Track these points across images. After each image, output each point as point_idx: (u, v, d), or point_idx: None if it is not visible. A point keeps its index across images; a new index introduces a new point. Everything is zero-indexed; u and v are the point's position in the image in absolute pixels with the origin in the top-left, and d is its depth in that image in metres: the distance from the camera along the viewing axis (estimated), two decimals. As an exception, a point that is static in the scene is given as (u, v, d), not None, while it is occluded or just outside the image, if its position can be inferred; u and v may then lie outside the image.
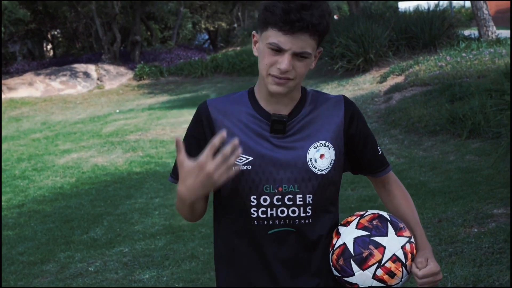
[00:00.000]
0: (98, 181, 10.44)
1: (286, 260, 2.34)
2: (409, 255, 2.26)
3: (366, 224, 2.28)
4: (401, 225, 2.30)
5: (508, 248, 5.30)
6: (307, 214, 2.31)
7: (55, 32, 39.41)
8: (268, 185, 2.29)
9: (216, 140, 2.03)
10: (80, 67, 27.36)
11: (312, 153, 2.31)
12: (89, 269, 6.32)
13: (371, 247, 2.23)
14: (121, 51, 31.11)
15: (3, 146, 14.92)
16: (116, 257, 6.60)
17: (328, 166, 2.32)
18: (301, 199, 2.30)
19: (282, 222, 2.30)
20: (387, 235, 2.25)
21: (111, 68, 27.80)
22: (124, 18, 32.18)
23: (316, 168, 2.30)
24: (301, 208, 2.30)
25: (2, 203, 9.53)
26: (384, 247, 2.22)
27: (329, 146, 2.33)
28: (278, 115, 2.30)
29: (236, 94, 2.42)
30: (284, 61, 2.16)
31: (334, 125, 2.35)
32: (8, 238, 7.68)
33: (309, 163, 2.30)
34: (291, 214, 2.30)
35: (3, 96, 24.22)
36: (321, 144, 2.32)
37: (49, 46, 40.82)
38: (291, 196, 2.29)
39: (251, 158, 2.29)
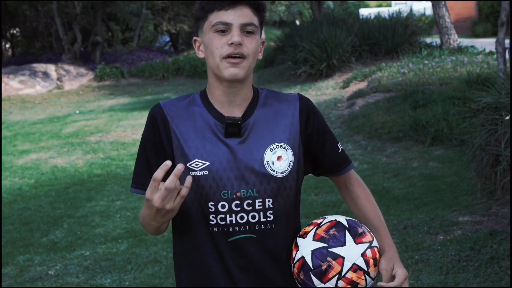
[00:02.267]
0: (58, 182, 10.26)
1: (248, 269, 2.26)
2: (371, 261, 2.18)
3: (323, 234, 2.20)
4: (360, 229, 2.22)
5: (474, 256, 5.30)
6: (268, 219, 2.24)
7: (14, 31, 38.83)
8: (225, 190, 2.21)
9: (158, 174, 1.95)
10: (40, 66, 26.96)
11: (269, 156, 2.24)
12: (49, 273, 6.17)
13: (329, 259, 2.15)
14: (81, 52, 30.74)
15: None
16: (77, 260, 6.46)
17: (287, 168, 2.25)
18: (260, 203, 2.23)
19: (242, 228, 2.22)
20: (345, 244, 2.17)
21: (71, 68, 27.45)
22: (85, 18, 31.82)
23: (274, 171, 2.23)
24: (261, 213, 2.23)
25: (-42, 204, 9.31)
26: (343, 258, 2.15)
27: (286, 147, 2.26)
28: (232, 118, 2.23)
29: (188, 97, 2.35)
30: (234, 34, 2.14)
31: (289, 125, 2.29)
32: (-35, 240, 7.49)
33: (267, 166, 2.23)
34: (251, 220, 2.22)
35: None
36: (277, 146, 2.25)
37: (8, 45, 40.20)
38: (250, 201, 2.22)
39: (207, 163, 2.21)
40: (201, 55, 2.27)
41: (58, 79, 26.28)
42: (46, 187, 9.98)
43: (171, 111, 2.27)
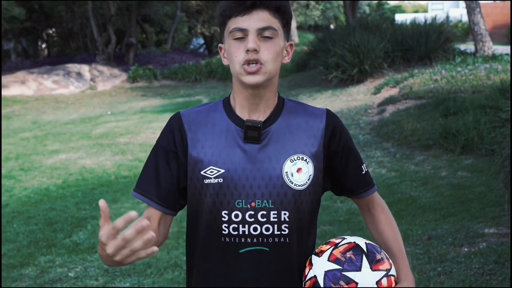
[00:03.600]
0: (85, 183, 10.28)
1: (258, 282, 2.18)
2: None
3: (339, 256, 2.11)
4: (379, 256, 2.12)
5: (498, 270, 5.17)
6: (283, 233, 2.16)
7: (51, 31, 39.23)
8: (240, 199, 2.14)
9: (119, 223, 1.76)
10: (74, 67, 27.18)
11: (289, 167, 2.16)
12: (69, 275, 6.16)
13: (341, 282, 2.06)
14: (115, 53, 30.94)
15: (-9, 144, 14.76)
16: (97, 263, 6.44)
17: (306, 182, 2.17)
18: (275, 215, 2.15)
19: (255, 240, 2.15)
20: (360, 270, 2.08)
21: (105, 69, 27.63)
22: (119, 19, 32.03)
23: (292, 183, 2.16)
24: (276, 226, 2.15)
25: (-14, 203, 9.38)
26: (356, 283, 2.06)
27: (308, 160, 2.18)
28: (252, 120, 2.16)
29: (210, 103, 2.30)
30: (249, 40, 2.06)
31: (313, 138, 2.21)
32: (-11, 239, 7.52)
33: (285, 177, 2.15)
34: (264, 232, 2.15)
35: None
36: (298, 158, 2.17)
37: (44, 45, 40.63)
38: (264, 213, 2.14)
39: (222, 171, 2.15)
40: (225, 62, 2.21)
41: (92, 79, 26.47)
42: (73, 188, 10.01)
43: (190, 119, 2.22)
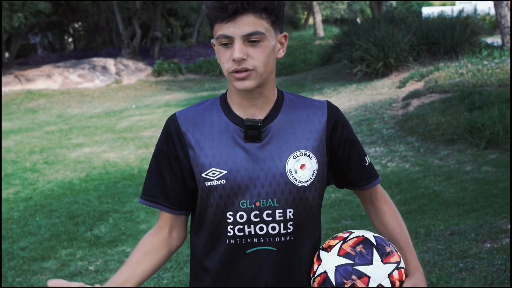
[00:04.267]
0: (108, 177, 10.31)
1: (266, 282, 2.14)
2: (397, 283, 2.05)
3: (349, 250, 2.07)
4: (388, 249, 2.09)
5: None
6: (288, 231, 2.12)
7: (77, 26, 39.42)
8: (244, 200, 2.09)
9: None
10: (99, 61, 27.30)
11: (292, 164, 2.11)
12: (89, 268, 6.17)
13: (354, 277, 2.02)
14: (141, 47, 31.03)
15: (16, 138, 14.87)
16: (118, 256, 6.45)
17: (311, 178, 2.12)
18: (281, 214, 2.10)
19: (261, 240, 2.11)
20: (371, 263, 2.04)
21: (130, 63, 27.73)
22: (145, 13, 32.10)
23: (296, 180, 2.11)
24: (282, 224, 2.11)
25: (10, 196, 9.43)
26: (369, 277, 2.02)
27: (311, 155, 2.13)
28: (252, 120, 2.11)
29: (207, 102, 2.23)
30: (235, 49, 1.99)
31: (315, 132, 2.16)
32: (12, 232, 7.55)
33: (289, 174, 2.10)
34: (270, 231, 2.11)
35: (20, 87, 24.21)
36: (301, 154, 2.12)
37: (70, 39, 40.84)
38: (270, 212, 2.10)
39: (225, 172, 2.09)
40: (219, 59, 2.16)
41: (117, 73, 26.58)
42: (96, 181, 10.04)
43: (186, 120, 2.16)
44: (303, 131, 2.15)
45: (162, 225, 2.22)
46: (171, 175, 2.15)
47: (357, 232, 2.14)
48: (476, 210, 6.76)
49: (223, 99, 2.19)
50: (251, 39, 2.00)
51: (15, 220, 8.09)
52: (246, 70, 2.01)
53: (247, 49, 2.00)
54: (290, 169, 2.10)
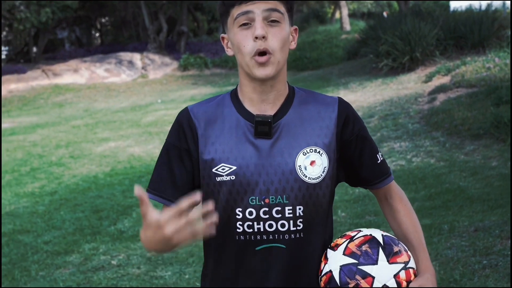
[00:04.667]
0: (133, 171, 10.35)
1: (276, 280, 2.12)
2: (404, 284, 2.01)
3: (354, 249, 2.03)
4: (396, 248, 2.04)
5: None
6: (298, 228, 2.09)
7: (104, 20, 39.63)
8: (253, 196, 2.07)
9: (183, 204, 1.71)
10: (126, 55, 27.44)
11: (301, 160, 2.08)
12: (112, 262, 6.19)
13: (357, 277, 1.99)
14: (167, 41, 31.11)
15: (42, 132, 14.98)
16: (140, 251, 6.46)
17: (321, 174, 2.09)
18: (290, 211, 2.08)
19: (271, 237, 2.08)
20: (376, 263, 2.00)
21: (156, 57, 27.82)
22: (171, 8, 32.17)
23: (306, 177, 2.08)
24: (291, 222, 2.08)
25: (36, 190, 9.51)
26: (373, 277, 1.98)
27: (321, 152, 2.10)
28: (262, 115, 2.08)
29: (218, 97, 2.21)
30: (257, 26, 1.98)
31: (326, 128, 2.13)
32: (36, 226, 7.61)
33: (298, 171, 2.07)
34: (280, 228, 2.08)
35: (48, 81, 24.39)
36: (311, 150, 2.09)
37: (97, 34, 41.07)
38: (279, 208, 2.07)
39: (234, 167, 2.07)
40: (229, 52, 2.13)
41: (143, 68, 26.69)
42: (120, 176, 10.08)
43: (199, 115, 2.14)
44: (313, 127, 2.13)
45: None
46: (181, 170, 2.12)
47: (365, 231, 2.11)
48: (501, 206, 6.68)
49: (234, 94, 2.17)
50: (271, 18, 2.00)
51: (40, 214, 8.15)
52: (266, 53, 2.00)
53: (267, 28, 2.00)
54: (299, 166, 2.08)
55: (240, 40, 2.02)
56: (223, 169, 2.08)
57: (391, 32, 17.60)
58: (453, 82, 13.56)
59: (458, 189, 7.64)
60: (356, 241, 2.06)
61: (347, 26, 34.75)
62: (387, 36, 17.46)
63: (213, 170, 2.09)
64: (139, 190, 1.76)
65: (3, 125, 17.14)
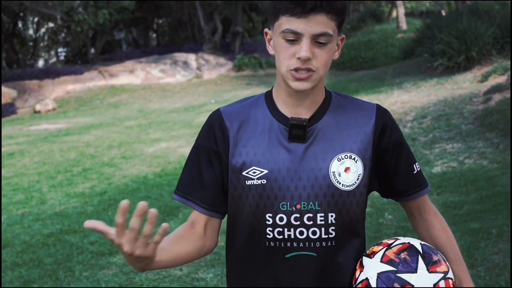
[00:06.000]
0: (182, 172, 10.36)
1: None
2: None
3: (393, 257, 1.95)
4: (435, 257, 1.96)
5: None
6: (330, 236, 2.02)
7: (160, 21, 40.00)
8: (285, 202, 2.00)
9: (118, 218, 1.71)
10: (181, 56, 27.64)
11: (336, 166, 2.01)
12: (155, 264, 6.19)
13: (396, 285, 1.90)
14: (222, 42, 31.23)
15: (96, 133, 15.16)
16: (184, 252, 6.45)
17: (355, 182, 2.02)
18: (322, 218, 2.01)
19: (301, 244, 2.02)
20: (416, 271, 1.91)
21: (211, 58, 27.95)
22: (226, 8, 32.29)
23: (340, 183, 2.01)
24: (323, 229, 2.01)
25: (86, 190, 9.60)
26: (412, 286, 1.90)
27: (356, 158, 2.03)
28: (297, 118, 2.02)
29: (251, 98, 2.16)
30: (302, 47, 1.89)
31: (362, 135, 2.05)
32: (84, 227, 7.66)
33: (332, 177, 2.00)
34: (311, 236, 2.01)
35: (104, 82, 24.71)
36: (346, 156, 2.02)
37: (154, 35, 41.48)
38: (311, 215, 2.00)
39: (266, 171, 2.01)
40: (271, 51, 2.06)
41: (198, 68, 26.84)
42: (170, 176, 10.12)
43: (231, 117, 2.09)
44: (349, 133, 2.06)
45: (195, 223, 2.13)
46: (210, 173, 2.08)
47: (403, 239, 2.03)
48: (553, 210, 6.47)
49: (269, 96, 2.12)
50: (319, 40, 1.92)
51: (88, 214, 8.22)
52: (309, 70, 1.94)
53: (313, 48, 1.92)
54: (333, 172, 2.01)
55: (282, 52, 1.96)
56: (254, 172, 2.03)
57: (447, 31, 17.30)
58: (510, 82, 13.25)
59: (510, 192, 7.44)
60: (394, 249, 1.99)
61: (404, 25, 34.35)
62: (443, 35, 17.17)
63: (243, 173, 2.04)
64: (88, 223, 1.71)
65: (59, 126, 17.42)
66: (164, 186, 9.46)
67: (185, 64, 26.91)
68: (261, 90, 21.66)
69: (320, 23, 1.90)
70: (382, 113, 2.11)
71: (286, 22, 1.91)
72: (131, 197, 8.89)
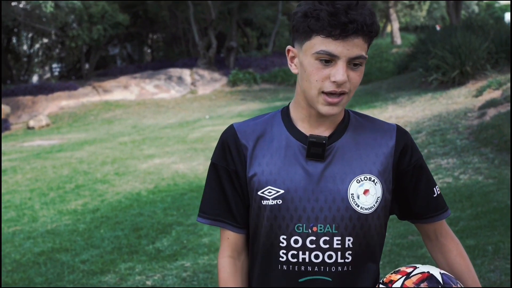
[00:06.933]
0: (176, 188, 10.29)
1: None
2: None
3: (412, 286, 1.88)
4: (455, 287, 1.90)
5: None
6: (346, 261, 1.96)
7: (155, 37, 40.01)
8: (300, 223, 1.94)
9: None
10: (175, 71, 27.61)
11: (355, 188, 1.95)
12: (147, 283, 6.11)
13: None
14: (216, 57, 31.23)
15: (89, 149, 15.07)
16: (176, 271, 6.36)
17: (374, 205, 1.96)
18: (339, 242, 1.95)
19: (316, 269, 1.95)
20: None
21: (206, 73, 27.92)
22: (221, 23, 32.31)
23: (358, 206, 1.95)
24: (339, 253, 1.95)
25: (79, 207, 9.51)
26: None
27: (376, 181, 1.97)
28: (316, 136, 1.96)
29: (266, 115, 2.09)
30: (339, 71, 1.84)
31: (382, 156, 2.00)
32: (75, 245, 7.58)
33: (351, 199, 1.94)
34: (327, 260, 1.95)
35: (98, 98, 24.64)
36: (365, 178, 1.97)
37: (149, 50, 41.48)
38: (327, 238, 1.94)
39: (282, 191, 1.95)
40: (294, 70, 1.98)
41: (192, 83, 26.82)
42: (163, 193, 10.04)
43: (246, 134, 2.03)
44: (369, 154, 2.00)
45: (237, 246, 2.08)
46: (233, 191, 2.02)
47: (422, 268, 1.96)
48: (550, 227, 6.41)
49: (285, 113, 2.05)
50: (354, 62, 1.87)
51: (80, 232, 8.13)
52: (341, 94, 1.89)
53: (348, 71, 1.87)
54: (352, 194, 1.95)
55: (314, 73, 1.89)
56: (269, 192, 1.97)
57: (441, 45, 17.32)
58: (504, 97, 13.23)
59: (505, 208, 7.38)
60: (414, 278, 1.92)
61: (398, 40, 34.43)
62: (437, 49, 17.17)
63: (259, 192, 1.98)
64: None
65: (52, 142, 17.34)
66: (157, 203, 9.38)
67: (180, 79, 26.87)
68: (256, 105, 21.64)
69: (356, 46, 1.85)
70: (402, 135, 2.06)
71: (322, 43, 1.85)
72: (123, 214, 8.81)
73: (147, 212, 8.88)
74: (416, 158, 2.06)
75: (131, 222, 8.40)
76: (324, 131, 1.99)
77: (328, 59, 1.85)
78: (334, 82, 1.85)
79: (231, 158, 2.02)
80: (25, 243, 7.78)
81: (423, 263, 5.91)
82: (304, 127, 2.00)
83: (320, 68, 1.86)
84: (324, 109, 1.90)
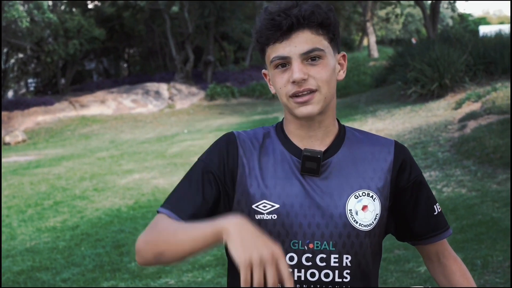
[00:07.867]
0: (156, 204, 10.15)
1: None
2: None
3: None
4: None
5: None
6: (344, 280, 1.85)
7: (132, 51, 39.85)
8: (296, 240, 1.84)
9: None
10: (152, 86, 27.48)
11: (353, 204, 1.86)
12: (130, 302, 5.99)
13: None
14: (194, 71, 31.15)
15: (67, 164, 14.89)
16: (160, 289, 6.24)
17: (372, 222, 1.87)
18: (336, 260, 1.85)
19: (312, 287, 1.86)
20: None
21: (183, 87, 27.83)
22: (198, 37, 32.25)
23: (357, 223, 1.85)
24: (336, 272, 1.85)
25: (58, 224, 9.34)
26: None
27: (374, 197, 1.88)
28: (311, 150, 1.86)
29: (263, 128, 2.00)
30: (294, 69, 1.78)
31: (380, 171, 1.91)
32: (56, 263, 7.42)
33: (349, 215, 1.85)
34: (323, 279, 1.85)
35: (75, 113, 24.44)
36: (364, 194, 1.87)
37: (125, 65, 41.30)
38: (324, 256, 1.84)
39: (277, 206, 1.85)
40: (272, 90, 1.92)
41: (170, 98, 26.70)
42: (144, 209, 9.90)
43: (245, 144, 1.93)
44: (366, 169, 1.91)
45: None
46: (206, 196, 1.85)
47: None
48: (537, 239, 6.37)
49: (279, 128, 1.97)
50: (310, 56, 1.80)
51: (60, 250, 7.97)
52: (309, 91, 1.80)
53: (307, 68, 1.80)
54: (350, 210, 1.86)
55: (277, 82, 1.84)
56: (264, 206, 1.86)
57: (419, 58, 17.38)
58: (484, 109, 13.28)
59: (491, 220, 7.35)
60: None
61: (375, 53, 34.59)
62: (415, 62, 17.23)
63: (253, 206, 1.87)
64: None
65: (29, 157, 17.12)
66: (138, 219, 9.24)
67: (157, 93, 26.74)
68: (234, 119, 21.57)
69: (305, 41, 1.79)
70: (400, 150, 1.97)
71: (272, 51, 1.81)
72: (104, 231, 8.66)
73: (128, 228, 8.74)
74: (415, 174, 1.97)
75: (112, 239, 8.25)
76: (319, 144, 1.91)
77: (283, 63, 1.80)
78: (293, 82, 1.79)
79: (223, 163, 1.90)
80: (4, 262, 7.60)
81: (410, 278, 5.84)
82: (298, 141, 1.92)
83: (280, 75, 1.82)
84: (298, 111, 1.82)
